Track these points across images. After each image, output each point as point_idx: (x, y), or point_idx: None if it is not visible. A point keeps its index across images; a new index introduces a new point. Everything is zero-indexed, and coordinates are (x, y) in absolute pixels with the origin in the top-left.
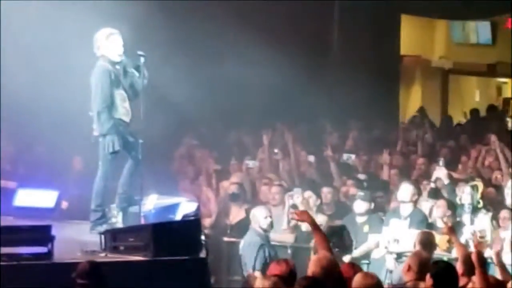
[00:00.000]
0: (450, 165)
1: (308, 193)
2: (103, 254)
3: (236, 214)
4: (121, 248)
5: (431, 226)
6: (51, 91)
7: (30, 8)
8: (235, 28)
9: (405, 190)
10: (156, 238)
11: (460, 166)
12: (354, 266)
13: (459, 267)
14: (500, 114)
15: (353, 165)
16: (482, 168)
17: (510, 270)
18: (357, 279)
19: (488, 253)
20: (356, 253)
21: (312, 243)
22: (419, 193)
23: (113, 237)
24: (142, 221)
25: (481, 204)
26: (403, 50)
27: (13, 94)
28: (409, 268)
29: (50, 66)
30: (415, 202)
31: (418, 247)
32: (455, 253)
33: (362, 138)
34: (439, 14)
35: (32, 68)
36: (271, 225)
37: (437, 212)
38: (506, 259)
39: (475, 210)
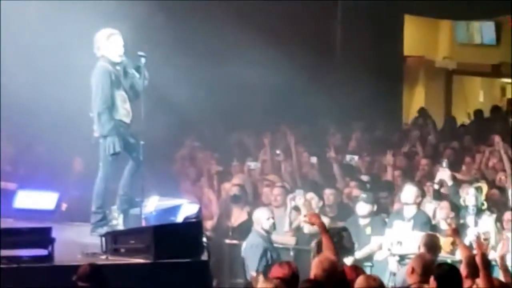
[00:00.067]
0: (454, 166)
1: (310, 195)
2: (103, 257)
3: (237, 216)
4: (122, 250)
5: (434, 228)
6: (51, 91)
7: (30, 8)
8: (236, 28)
9: (408, 192)
10: (157, 241)
11: (464, 167)
12: (357, 269)
13: (463, 269)
14: (504, 115)
15: (356, 166)
16: (486, 169)
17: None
18: (359, 281)
19: (492, 255)
20: (358, 255)
21: (312, 244)
22: (422, 195)
23: (114, 239)
24: (143, 223)
25: (485, 206)
26: (407, 51)
27: (13, 94)
28: (412, 271)
29: (51, 67)
30: (418, 204)
31: (422, 250)
32: (459, 255)
33: (365, 139)
34: (443, 14)
35: (32, 68)
36: (273, 226)
37: (440, 213)
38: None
39: (479, 212)
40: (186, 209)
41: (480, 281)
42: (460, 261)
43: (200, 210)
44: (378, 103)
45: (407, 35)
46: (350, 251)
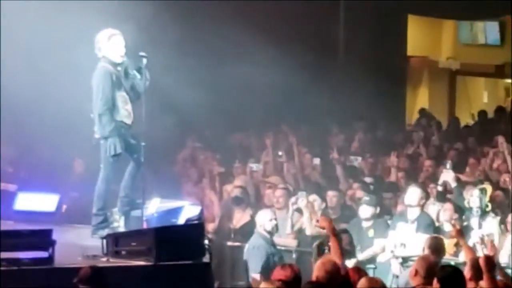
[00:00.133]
0: (458, 168)
1: (313, 197)
2: (105, 259)
3: (239, 218)
4: (123, 252)
5: (438, 230)
6: (52, 92)
7: (30, 8)
8: (237, 28)
9: (412, 194)
10: (159, 243)
11: (468, 169)
12: (360, 271)
13: (467, 271)
14: (509, 116)
15: (359, 167)
16: (490, 170)
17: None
18: (361, 283)
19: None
20: (361, 257)
21: (314, 246)
22: (426, 197)
23: (115, 241)
24: (145, 225)
25: (489, 208)
26: (410, 51)
27: (13, 95)
28: (416, 273)
29: (51, 67)
30: (422, 206)
31: (427, 252)
32: (462, 257)
33: (367, 140)
34: (447, 14)
35: (33, 69)
36: (276, 227)
37: (444, 215)
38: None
39: (483, 213)
40: (188, 211)
41: (483, 283)
42: (464, 263)
43: (201, 212)
44: (381, 103)
45: (410, 35)
46: (350, 253)
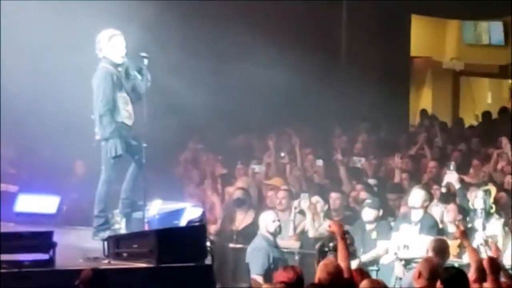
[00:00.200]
0: (462, 169)
1: (315, 198)
2: (106, 261)
3: (241, 220)
4: (125, 254)
5: (441, 231)
6: (53, 93)
7: (30, 8)
8: (240, 29)
9: (416, 196)
10: (161, 245)
11: (471, 170)
12: (363, 272)
13: (472, 273)
14: None
15: (362, 169)
16: (494, 172)
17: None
18: (363, 285)
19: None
20: (364, 259)
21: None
22: (430, 198)
23: (117, 243)
24: (146, 227)
25: (493, 209)
26: (414, 51)
27: (13, 95)
28: (419, 275)
29: (52, 68)
30: (425, 208)
31: (431, 255)
32: (466, 259)
33: (371, 141)
34: (450, 14)
35: (34, 70)
36: (279, 229)
37: (448, 216)
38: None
39: (487, 215)
40: (190, 213)
41: (488, 285)
42: (468, 265)
43: (203, 214)
44: (384, 104)
45: (414, 35)
46: (351, 255)
